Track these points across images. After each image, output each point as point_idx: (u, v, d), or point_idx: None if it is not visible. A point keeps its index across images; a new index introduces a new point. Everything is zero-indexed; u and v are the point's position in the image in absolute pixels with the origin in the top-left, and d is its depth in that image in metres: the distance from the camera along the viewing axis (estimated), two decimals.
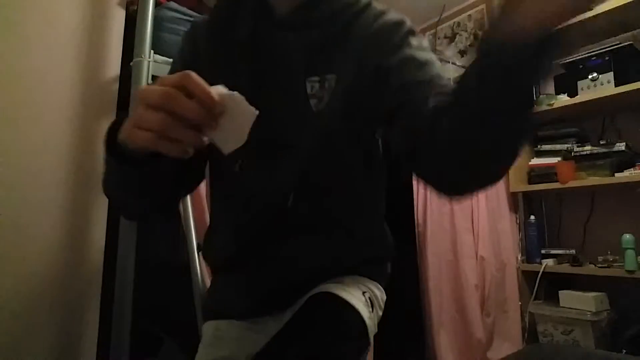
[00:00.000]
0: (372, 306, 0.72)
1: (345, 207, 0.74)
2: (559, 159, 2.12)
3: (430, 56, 0.68)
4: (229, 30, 0.74)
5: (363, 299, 0.70)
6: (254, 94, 0.53)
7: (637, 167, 1.86)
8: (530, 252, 2.20)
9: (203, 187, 1.26)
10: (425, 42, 0.72)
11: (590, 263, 2.02)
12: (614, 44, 2.00)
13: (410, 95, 0.62)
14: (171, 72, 0.81)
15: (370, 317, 0.70)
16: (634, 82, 1.81)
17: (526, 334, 2.08)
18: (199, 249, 1.13)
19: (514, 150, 0.51)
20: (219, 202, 0.82)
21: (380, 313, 0.79)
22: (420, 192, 1.87)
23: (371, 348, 0.87)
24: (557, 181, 2.06)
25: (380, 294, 0.80)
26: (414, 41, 0.69)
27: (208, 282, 1.18)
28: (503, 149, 0.51)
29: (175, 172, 0.65)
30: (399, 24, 0.71)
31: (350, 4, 0.73)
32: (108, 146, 0.54)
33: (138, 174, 0.55)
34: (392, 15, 0.72)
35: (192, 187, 0.82)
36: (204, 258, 0.86)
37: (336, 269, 0.74)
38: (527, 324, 2.07)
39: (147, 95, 0.44)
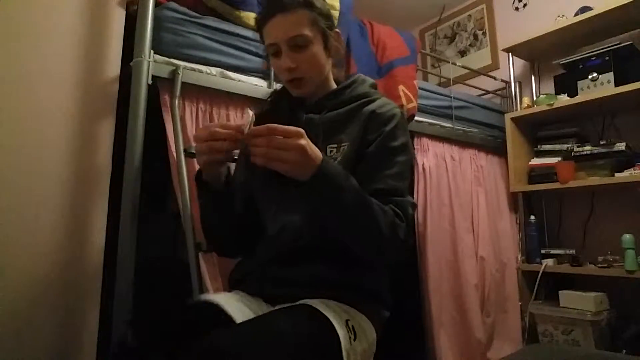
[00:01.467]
0: (355, 334, 0.81)
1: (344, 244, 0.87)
2: (559, 159, 2.12)
3: (399, 157, 0.92)
4: (275, 115, 1.04)
5: (343, 322, 0.80)
6: None
7: (637, 167, 1.86)
8: (530, 252, 2.20)
9: None
10: (407, 134, 0.97)
11: (590, 263, 2.02)
12: (614, 44, 2.00)
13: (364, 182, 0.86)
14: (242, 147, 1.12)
15: (345, 337, 0.77)
16: (634, 82, 1.81)
17: (526, 334, 2.08)
18: (198, 249, 1.13)
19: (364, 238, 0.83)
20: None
21: (366, 346, 0.83)
22: (420, 192, 1.86)
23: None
24: (557, 181, 2.06)
25: (368, 328, 0.87)
26: (402, 136, 0.94)
27: (208, 282, 1.18)
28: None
29: (242, 207, 1.01)
30: (394, 115, 0.96)
31: (360, 95, 1.00)
32: (198, 185, 0.96)
33: (219, 196, 0.95)
34: (391, 109, 0.97)
35: (253, 234, 1.02)
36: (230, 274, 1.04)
37: (330, 292, 0.86)
38: (527, 324, 2.07)
39: (197, 134, 0.86)
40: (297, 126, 0.92)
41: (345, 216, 0.80)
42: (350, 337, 0.79)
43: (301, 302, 0.83)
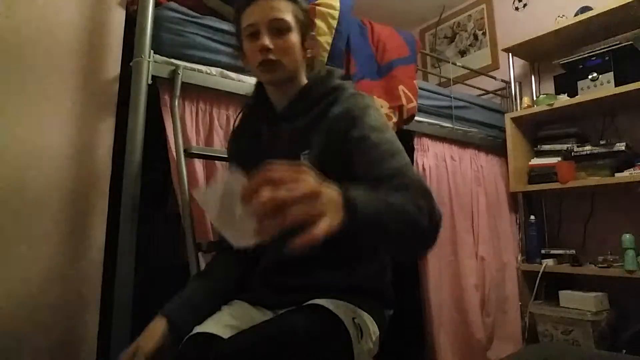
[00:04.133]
0: (361, 332, 0.81)
1: (345, 246, 0.86)
2: (559, 159, 2.12)
3: (379, 137, 0.86)
4: (248, 128, 1.05)
5: (351, 321, 0.81)
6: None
7: (637, 167, 1.86)
8: (530, 252, 2.20)
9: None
10: (380, 118, 0.91)
11: (590, 263, 2.02)
12: (614, 44, 1.99)
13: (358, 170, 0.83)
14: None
15: (355, 336, 0.79)
16: (634, 82, 1.81)
17: (526, 334, 2.08)
18: (198, 249, 1.13)
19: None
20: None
21: (372, 345, 0.85)
22: None
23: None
24: (557, 181, 2.06)
25: (372, 327, 0.87)
26: (372, 121, 0.88)
27: None
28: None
29: None
30: (352, 106, 0.91)
31: (327, 93, 0.95)
32: None
33: None
34: (359, 100, 0.93)
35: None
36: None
37: (334, 296, 0.86)
38: (527, 324, 2.07)
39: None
40: (274, 134, 0.96)
41: (388, 237, 0.70)
42: (357, 335, 0.80)
43: (310, 302, 0.83)
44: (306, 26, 0.97)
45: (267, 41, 0.90)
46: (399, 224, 0.68)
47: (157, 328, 0.85)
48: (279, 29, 0.91)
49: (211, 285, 0.97)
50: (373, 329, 0.87)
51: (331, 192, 0.58)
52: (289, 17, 0.92)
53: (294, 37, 0.93)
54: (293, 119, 0.96)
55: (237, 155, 1.06)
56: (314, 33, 1.04)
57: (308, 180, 0.54)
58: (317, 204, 0.53)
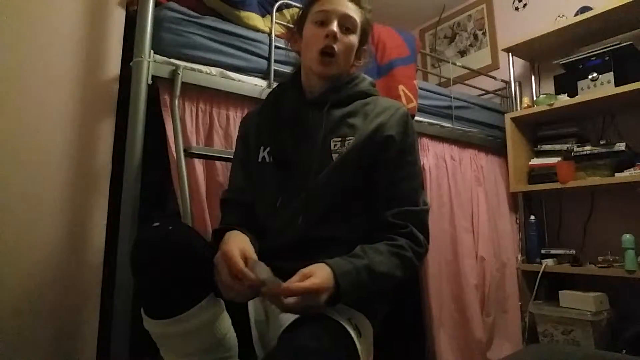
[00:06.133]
0: (360, 333, 0.82)
1: (344, 231, 0.92)
2: (559, 159, 2.12)
3: (409, 156, 0.96)
4: (276, 110, 1.04)
5: (347, 321, 0.81)
6: (294, 152, 0.97)
7: (637, 167, 1.86)
8: (530, 252, 2.20)
9: (203, 187, 1.26)
10: (416, 133, 1.00)
11: (590, 263, 2.02)
12: (614, 44, 1.99)
13: (385, 185, 0.94)
14: (236, 148, 1.12)
15: (355, 335, 0.79)
16: (634, 82, 1.81)
17: (526, 334, 2.08)
18: None
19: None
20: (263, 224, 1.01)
21: (369, 343, 0.85)
22: None
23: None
24: (557, 181, 2.06)
25: (367, 325, 0.87)
26: (412, 136, 0.98)
27: None
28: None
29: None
30: (406, 115, 0.99)
31: (361, 93, 1.02)
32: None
33: None
34: (401, 107, 1.00)
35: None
36: None
37: None
38: (527, 324, 2.07)
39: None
40: (303, 120, 0.98)
41: (373, 292, 0.84)
42: (357, 335, 0.80)
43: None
44: (365, 37, 1.04)
45: (337, 30, 0.95)
46: (383, 286, 0.84)
47: (243, 238, 0.83)
48: (348, 26, 0.97)
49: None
50: (367, 327, 0.87)
51: (327, 282, 0.73)
52: (358, 19, 0.99)
53: (355, 40, 1.00)
54: (326, 108, 0.98)
55: (259, 133, 1.05)
56: (366, 47, 1.07)
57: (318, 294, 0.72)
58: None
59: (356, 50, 1.02)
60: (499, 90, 2.60)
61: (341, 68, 1.00)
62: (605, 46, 2.01)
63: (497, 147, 2.30)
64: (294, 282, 0.71)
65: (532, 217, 2.23)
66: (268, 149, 1.00)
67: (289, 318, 0.76)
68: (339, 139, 0.95)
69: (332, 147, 0.94)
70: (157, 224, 0.83)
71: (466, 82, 2.56)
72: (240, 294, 0.75)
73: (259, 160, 1.01)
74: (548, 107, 2.10)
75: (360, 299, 0.82)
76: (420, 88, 1.87)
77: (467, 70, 2.55)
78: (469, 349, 1.83)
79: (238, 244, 0.79)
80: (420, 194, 0.96)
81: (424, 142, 1.94)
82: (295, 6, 1.54)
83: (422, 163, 1.89)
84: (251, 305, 0.89)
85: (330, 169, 0.92)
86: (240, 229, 0.86)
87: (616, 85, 1.91)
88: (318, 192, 0.92)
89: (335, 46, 0.95)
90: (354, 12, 0.98)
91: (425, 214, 0.95)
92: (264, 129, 1.04)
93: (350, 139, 0.94)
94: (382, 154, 0.94)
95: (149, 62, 1.18)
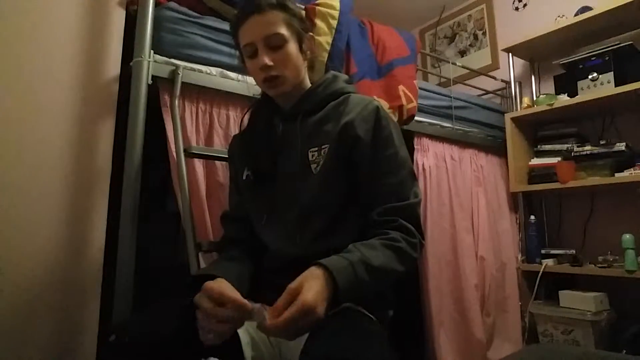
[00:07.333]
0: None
1: (347, 239, 0.87)
2: (559, 159, 2.12)
3: (390, 149, 0.93)
4: (253, 128, 1.05)
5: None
6: (272, 167, 0.97)
7: (637, 167, 1.86)
8: (530, 252, 2.20)
9: (203, 187, 1.26)
10: (391, 125, 0.96)
11: (590, 263, 2.02)
12: (614, 44, 1.99)
13: (366, 184, 0.92)
14: (230, 172, 1.16)
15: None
16: (634, 82, 1.81)
17: (526, 334, 2.08)
18: (198, 249, 1.13)
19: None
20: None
21: None
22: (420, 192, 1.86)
23: None
24: (557, 181, 2.06)
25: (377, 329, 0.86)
26: (384, 130, 0.94)
27: None
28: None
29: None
30: (376, 109, 0.95)
31: (333, 96, 1.00)
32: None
33: None
34: (371, 102, 0.97)
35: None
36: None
37: None
38: (527, 324, 2.07)
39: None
40: (278, 134, 0.98)
41: (373, 288, 0.82)
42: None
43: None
44: (301, 31, 0.99)
45: (266, 60, 0.93)
46: (382, 281, 0.82)
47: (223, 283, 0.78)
48: (275, 44, 0.94)
49: (243, 271, 0.92)
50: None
51: (322, 293, 0.70)
52: (282, 30, 0.94)
53: (291, 48, 0.96)
54: (299, 119, 0.98)
55: (241, 154, 1.07)
56: (311, 33, 1.04)
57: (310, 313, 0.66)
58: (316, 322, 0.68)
59: (300, 46, 0.98)
60: (499, 90, 2.60)
61: (292, 79, 0.97)
62: (605, 46, 2.01)
63: (497, 147, 2.30)
64: (280, 305, 0.67)
65: (532, 217, 2.23)
66: (249, 167, 1.02)
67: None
68: (316, 149, 0.94)
69: (310, 158, 0.93)
70: (112, 337, 0.79)
71: (466, 82, 2.56)
72: (220, 325, 0.71)
73: (244, 178, 1.03)
74: (548, 107, 2.10)
75: (365, 300, 0.82)
76: (420, 88, 1.87)
77: (467, 70, 2.55)
78: (469, 349, 1.83)
79: (220, 283, 0.77)
80: (409, 186, 0.91)
81: (424, 142, 1.94)
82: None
83: (422, 163, 1.89)
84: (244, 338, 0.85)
85: (314, 183, 0.91)
86: (227, 272, 0.83)
87: (616, 85, 1.91)
88: (309, 211, 0.91)
89: (272, 73, 0.94)
90: (274, 24, 0.93)
91: (415, 206, 0.90)
92: (245, 149, 1.05)
93: (325, 147, 0.93)
94: (355, 154, 0.92)
95: (149, 62, 1.18)
